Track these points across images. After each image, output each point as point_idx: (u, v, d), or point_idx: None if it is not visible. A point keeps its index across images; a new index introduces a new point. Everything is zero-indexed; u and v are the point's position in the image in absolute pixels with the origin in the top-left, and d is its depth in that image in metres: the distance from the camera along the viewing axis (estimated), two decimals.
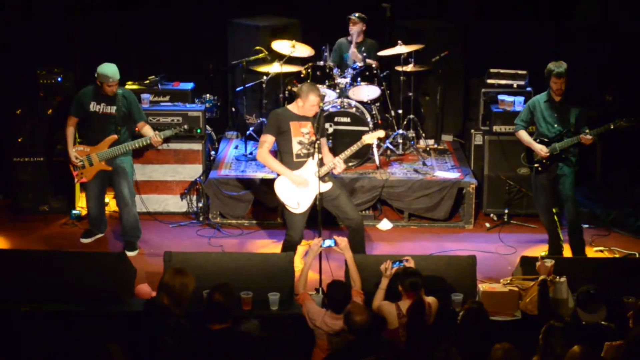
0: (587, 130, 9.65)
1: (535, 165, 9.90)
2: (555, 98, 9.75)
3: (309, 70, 11.71)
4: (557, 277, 8.24)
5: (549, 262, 8.20)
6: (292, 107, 9.44)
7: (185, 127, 10.52)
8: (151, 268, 9.56)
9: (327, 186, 9.37)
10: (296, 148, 9.36)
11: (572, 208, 9.91)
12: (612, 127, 9.61)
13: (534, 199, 10.31)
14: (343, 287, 7.71)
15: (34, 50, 11.56)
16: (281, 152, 9.43)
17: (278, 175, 9.43)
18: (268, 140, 9.36)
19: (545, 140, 9.82)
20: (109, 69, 9.91)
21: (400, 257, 8.23)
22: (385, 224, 11.14)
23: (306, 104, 9.27)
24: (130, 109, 10.12)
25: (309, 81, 10.48)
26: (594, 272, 8.70)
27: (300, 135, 9.35)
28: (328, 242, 8.26)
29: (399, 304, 7.75)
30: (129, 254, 9.70)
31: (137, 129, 10.28)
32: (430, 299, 7.81)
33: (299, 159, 9.38)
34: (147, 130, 10.21)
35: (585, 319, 7.47)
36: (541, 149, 9.78)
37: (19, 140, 11.34)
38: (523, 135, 10.01)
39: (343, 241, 8.27)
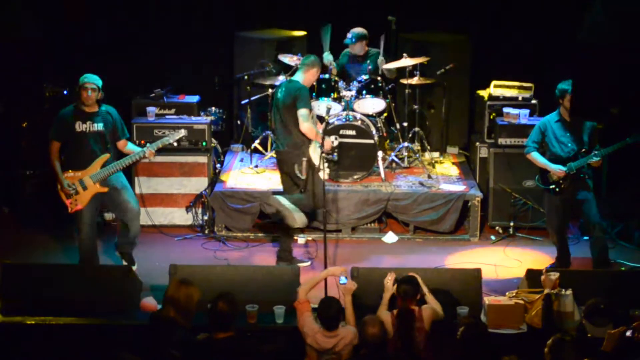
0: (595, 153, 9.63)
1: (552, 186, 9.84)
2: (567, 117, 9.72)
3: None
4: (563, 289, 8.24)
5: (554, 276, 8.19)
6: (301, 80, 10.05)
7: (179, 136, 10.02)
8: (157, 281, 9.54)
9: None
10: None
11: (599, 235, 9.87)
12: (628, 142, 9.57)
13: (547, 219, 10.27)
14: (335, 304, 7.67)
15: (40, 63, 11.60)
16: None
17: (306, 147, 9.98)
18: (310, 113, 9.96)
19: (560, 160, 9.78)
20: (89, 75, 9.48)
21: (406, 273, 8.23)
22: (390, 237, 11.14)
23: (316, 74, 10.16)
24: (115, 126, 9.64)
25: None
26: (599, 285, 8.70)
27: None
28: (343, 280, 8.20)
29: (394, 312, 7.79)
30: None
31: (119, 146, 9.74)
32: (426, 307, 7.81)
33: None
34: (131, 146, 9.77)
35: (592, 332, 7.46)
36: (559, 169, 9.71)
37: (25, 153, 11.36)
38: (536, 157, 9.91)
39: (352, 285, 8.19)
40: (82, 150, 9.51)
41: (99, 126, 9.49)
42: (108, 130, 9.53)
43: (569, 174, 9.69)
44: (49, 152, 9.55)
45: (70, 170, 9.50)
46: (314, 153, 10.06)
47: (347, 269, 8.67)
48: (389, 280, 8.13)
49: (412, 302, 7.80)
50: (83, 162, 9.50)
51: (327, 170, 10.26)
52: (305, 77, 10.12)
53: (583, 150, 9.69)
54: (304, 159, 10.05)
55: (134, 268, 9.59)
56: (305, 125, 9.92)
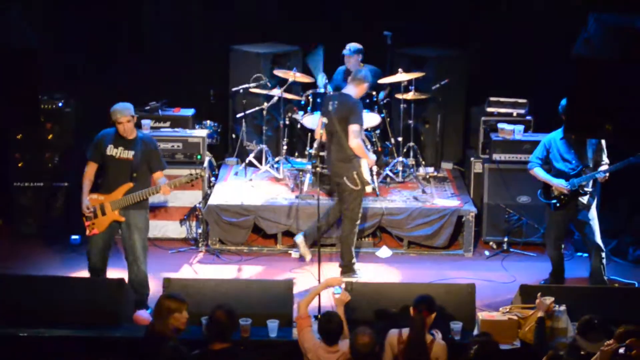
0: (600, 169, 9.66)
1: (553, 201, 9.86)
2: (572, 135, 9.73)
3: (310, 97, 11.73)
4: (557, 305, 8.23)
5: (549, 300, 8.17)
6: (353, 94, 10.24)
7: (197, 173, 9.53)
8: (150, 295, 9.52)
9: None
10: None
11: (597, 258, 9.90)
12: (632, 161, 9.57)
13: (545, 232, 10.31)
14: (335, 318, 7.61)
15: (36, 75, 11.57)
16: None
17: (357, 161, 10.11)
18: (360, 129, 10.10)
19: (564, 176, 9.80)
20: (119, 106, 9.27)
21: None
22: (384, 252, 11.14)
23: (366, 87, 10.34)
24: (150, 156, 9.41)
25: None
26: (593, 301, 8.69)
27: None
28: (337, 290, 8.18)
29: (402, 329, 7.69)
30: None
31: (154, 177, 9.50)
32: (439, 343, 7.74)
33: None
34: (161, 179, 9.47)
35: (586, 348, 7.44)
36: (561, 185, 9.71)
37: (20, 165, 11.37)
38: (539, 172, 9.91)
39: (345, 297, 8.16)
40: (108, 175, 9.38)
41: (129, 154, 9.29)
42: (138, 159, 9.30)
43: (571, 190, 9.70)
44: (84, 172, 9.44)
45: (96, 194, 9.36)
46: (364, 167, 10.18)
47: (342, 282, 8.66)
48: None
49: (428, 316, 7.70)
50: (108, 187, 9.35)
51: (375, 185, 10.48)
52: (357, 90, 10.25)
53: (588, 166, 9.71)
54: (355, 172, 10.13)
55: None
56: (355, 141, 10.03)
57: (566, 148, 9.79)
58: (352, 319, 8.34)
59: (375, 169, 11.42)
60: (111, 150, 9.30)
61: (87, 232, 9.37)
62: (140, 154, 9.31)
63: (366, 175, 10.20)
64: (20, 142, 11.35)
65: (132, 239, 9.34)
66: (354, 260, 10.40)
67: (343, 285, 8.30)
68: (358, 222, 10.39)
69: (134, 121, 9.35)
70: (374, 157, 10.54)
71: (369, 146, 10.40)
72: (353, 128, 10.02)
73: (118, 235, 9.52)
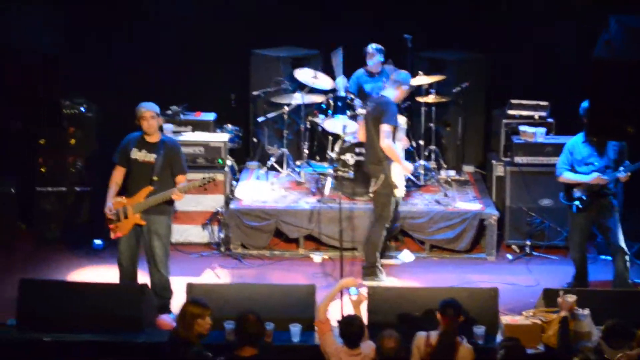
0: (622, 169, 9.62)
1: (576, 202, 9.82)
2: (594, 138, 9.70)
3: (331, 101, 11.74)
4: (580, 309, 8.20)
5: (571, 298, 8.14)
6: (391, 97, 10.19)
7: (209, 178, 9.48)
8: (173, 299, 9.55)
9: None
10: (397, 140, 10.23)
11: (622, 261, 9.84)
12: None
13: (569, 235, 10.28)
14: (357, 321, 7.59)
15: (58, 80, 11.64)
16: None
17: (390, 163, 10.06)
18: (392, 130, 10.02)
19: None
20: (143, 103, 9.28)
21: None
22: (407, 256, 11.11)
23: (406, 90, 10.31)
24: (173, 160, 9.36)
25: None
26: (616, 305, 8.65)
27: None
28: (354, 290, 8.16)
29: (430, 332, 7.65)
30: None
31: (176, 181, 9.38)
32: (466, 346, 7.72)
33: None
34: (180, 184, 9.36)
35: (610, 354, 7.40)
36: (596, 177, 9.62)
37: (42, 170, 11.42)
38: (569, 176, 9.80)
39: (362, 297, 8.13)
40: (132, 178, 9.35)
41: (151, 157, 9.26)
42: (160, 162, 9.26)
43: (593, 190, 9.65)
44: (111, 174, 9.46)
45: (121, 197, 9.34)
46: (395, 171, 10.13)
47: (364, 286, 8.66)
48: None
49: (456, 320, 7.68)
50: (131, 190, 9.34)
51: (404, 190, 10.35)
52: (396, 93, 10.24)
53: (609, 168, 9.68)
54: (383, 174, 10.12)
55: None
56: (385, 142, 10.02)
57: (588, 151, 9.75)
58: (375, 323, 8.36)
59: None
60: (135, 154, 9.30)
61: (112, 235, 9.38)
62: (163, 158, 9.29)
63: (395, 179, 10.16)
64: (43, 147, 11.40)
65: (152, 245, 9.33)
66: (378, 263, 10.39)
67: (359, 288, 8.26)
68: (387, 225, 10.37)
69: (159, 121, 9.36)
70: (409, 166, 10.39)
71: (405, 145, 10.35)
72: (383, 128, 10.01)
73: None
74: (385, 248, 10.75)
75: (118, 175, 9.40)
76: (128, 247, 9.36)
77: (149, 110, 9.24)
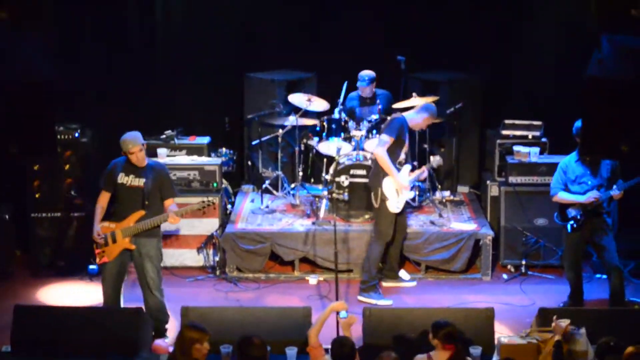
0: (615, 187, 9.64)
1: (570, 222, 9.83)
2: (587, 157, 9.71)
3: (325, 123, 11.76)
4: (576, 328, 8.19)
5: (564, 322, 8.12)
6: (409, 118, 10.39)
7: (207, 202, 9.61)
8: (168, 323, 9.52)
9: (410, 194, 10.61)
10: (402, 157, 10.36)
11: (617, 280, 9.85)
12: None
13: (563, 255, 10.32)
14: (348, 342, 7.55)
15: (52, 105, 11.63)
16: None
17: (383, 176, 10.19)
18: (389, 142, 10.12)
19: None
20: (129, 136, 9.28)
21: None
22: (404, 275, 11.09)
23: (425, 122, 10.46)
24: (162, 183, 9.41)
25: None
26: (612, 324, 8.64)
27: (407, 147, 10.44)
28: (343, 314, 8.13)
29: (430, 354, 7.64)
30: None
31: (165, 205, 9.43)
32: None
33: (399, 165, 10.35)
34: (171, 207, 9.41)
35: None
36: (590, 197, 9.67)
37: (37, 196, 11.40)
38: (563, 196, 9.85)
39: (351, 320, 8.08)
40: (120, 203, 9.37)
41: (140, 181, 9.29)
42: (149, 187, 9.29)
43: (587, 209, 9.66)
44: (97, 200, 9.48)
45: (107, 222, 9.36)
46: (389, 184, 10.22)
47: (359, 308, 8.64)
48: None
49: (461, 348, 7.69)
50: (119, 215, 9.33)
51: (400, 205, 10.39)
52: (416, 117, 10.43)
53: (602, 186, 9.69)
54: (379, 188, 10.21)
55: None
56: (378, 149, 10.19)
57: (581, 170, 9.77)
58: (371, 345, 8.36)
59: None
60: (122, 179, 9.31)
61: (97, 260, 9.40)
62: (152, 182, 9.32)
63: (387, 193, 10.22)
64: (37, 173, 11.38)
65: (144, 267, 9.34)
66: (376, 281, 10.43)
67: (348, 311, 8.23)
68: (386, 239, 10.44)
69: (145, 149, 9.37)
70: (401, 180, 10.30)
71: (402, 156, 10.42)
72: (381, 136, 10.19)
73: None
74: (391, 269, 10.79)
75: (104, 200, 9.43)
76: (114, 273, 9.36)
77: (136, 145, 9.26)
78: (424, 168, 10.79)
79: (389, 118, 10.58)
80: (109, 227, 9.32)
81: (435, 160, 10.94)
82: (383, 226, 10.35)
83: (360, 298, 10.31)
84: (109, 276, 9.38)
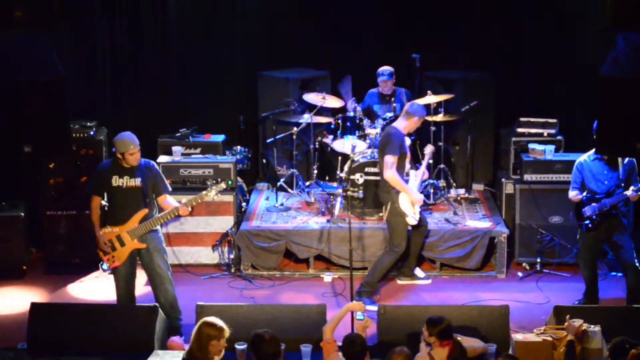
0: (632, 188, 9.61)
1: (586, 222, 9.81)
2: (604, 155, 9.68)
3: (339, 121, 11.76)
4: (591, 326, 8.18)
5: (577, 322, 8.11)
6: (400, 127, 10.28)
7: (210, 185, 9.56)
8: (184, 320, 9.54)
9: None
10: (407, 167, 10.42)
11: (634, 278, 9.82)
12: None
13: (578, 253, 10.29)
14: (359, 340, 7.57)
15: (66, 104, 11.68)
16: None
17: (398, 192, 10.19)
18: (395, 161, 10.13)
19: (595, 197, 9.76)
20: (127, 136, 9.24)
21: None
22: (419, 273, 11.09)
23: (418, 122, 10.31)
24: (155, 180, 9.39)
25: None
26: (628, 322, 8.63)
27: (409, 155, 10.53)
28: (360, 316, 8.14)
29: (431, 353, 7.65)
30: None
31: (159, 201, 9.45)
32: (472, 342, 7.75)
33: (407, 177, 10.42)
34: (169, 201, 9.41)
35: None
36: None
37: (52, 193, 11.44)
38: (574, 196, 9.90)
39: (367, 323, 8.06)
40: (120, 206, 9.31)
41: (136, 181, 9.25)
42: (146, 185, 9.29)
43: (603, 210, 9.65)
44: (90, 207, 9.44)
45: (108, 226, 9.31)
46: (404, 200, 10.24)
47: (375, 305, 8.65)
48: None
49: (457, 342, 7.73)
50: (120, 217, 9.28)
51: (417, 216, 10.41)
52: (406, 124, 10.32)
53: (620, 187, 9.66)
54: (390, 202, 10.23)
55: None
56: (388, 173, 10.15)
57: (599, 168, 9.74)
58: (385, 342, 8.36)
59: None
60: (117, 181, 9.26)
61: (109, 266, 9.37)
62: (147, 180, 9.33)
63: (404, 207, 10.22)
64: (52, 171, 11.42)
65: (154, 262, 9.35)
66: (376, 288, 10.48)
67: (366, 311, 8.24)
68: (400, 252, 10.41)
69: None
70: (417, 196, 10.37)
71: (416, 177, 10.47)
72: (386, 159, 10.14)
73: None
74: (409, 267, 10.86)
75: (97, 205, 9.40)
76: (125, 274, 9.38)
77: (136, 146, 9.24)
78: (424, 166, 10.74)
79: (383, 133, 10.53)
80: (112, 231, 9.29)
81: (428, 151, 10.91)
82: (397, 239, 10.35)
83: (355, 299, 10.23)
84: (122, 279, 9.41)
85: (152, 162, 9.64)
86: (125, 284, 9.42)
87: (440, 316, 7.77)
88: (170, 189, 9.63)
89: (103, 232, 9.31)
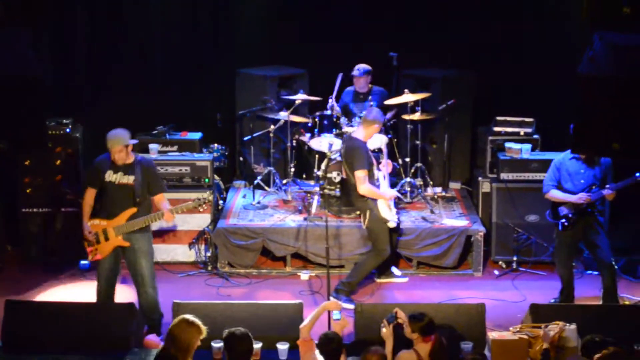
0: (608, 187, 9.64)
1: (562, 221, 9.84)
2: (582, 154, 9.71)
3: (317, 120, 11.75)
4: (567, 324, 8.21)
5: (553, 331, 8.16)
6: (361, 136, 10.28)
7: (203, 200, 9.51)
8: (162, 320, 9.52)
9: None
10: (377, 173, 10.41)
11: (610, 277, 9.85)
12: (638, 177, 9.60)
13: (555, 252, 10.34)
14: (336, 337, 7.60)
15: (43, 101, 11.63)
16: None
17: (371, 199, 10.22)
18: (366, 175, 10.15)
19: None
20: (114, 134, 9.17)
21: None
22: (396, 271, 11.09)
23: (378, 128, 10.32)
24: (149, 179, 9.29)
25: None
26: (603, 320, 8.67)
27: (376, 163, 10.47)
28: (336, 315, 8.14)
29: (415, 349, 7.74)
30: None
31: (154, 201, 9.40)
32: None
33: (377, 181, 10.40)
34: (164, 203, 9.37)
35: None
36: (580, 197, 9.67)
37: (28, 191, 11.39)
38: (556, 194, 9.83)
39: (345, 322, 8.05)
40: (110, 201, 9.25)
41: (129, 179, 9.19)
42: (139, 183, 9.20)
43: (580, 208, 9.68)
44: (83, 197, 9.39)
45: (97, 219, 9.26)
46: (382, 206, 10.25)
47: (351, 303, 8.65)
48: (387, 328, 8.05)
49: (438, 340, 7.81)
50: (110, 212, 9.23)
51: (395, 217, 10.46)
52: (365, 132, 10.32)
53: (596, 185, 9.69)
54: (368, 210, 10.24)
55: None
56: (362, 188, 10.16)
57: (575, 168, 9.77)
58: (362, 340, 8.36)
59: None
60: (110, 176, 9.22)
61: (90, 258, 9.33)
62: (140, 178, 9.24)
63: (384, 214, 10.24)
64: (28, 168, 11.36)
65: (138, 263, 9.28)
66: (355, 289, 10.47)
67: (343, 310, 8.24)
68: (385, 256, 10.42)
69: (127, 150, 9.19)
70: (390, 193, 10.49)
71: (384, 177, 10.46)
72: (357, 175, 10.15)
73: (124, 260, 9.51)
74: (385, 265, 10.85)
75: (90, 196, 9.33)
76: (107, 270, 9.32)
77: (115, 145, 9.12)
78: (385, 160, 10.76)
79: (345, 147, 10.47)
80: (99, 224, 9.25)
81: (383, 146, 10.94)
82: (381, 244, 10.34)
83: (332, 296, 10.21)
84: (102, 273, 9.34)
85: (151, 160, 9.56)
86: (105, 281, 9.34)
87: (422, 312, 7.85)
88: (166, 189, 9.54)
89: (91, 223, 9.25)
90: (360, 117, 11.62)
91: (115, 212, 9.23)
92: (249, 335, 7.23)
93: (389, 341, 8.01)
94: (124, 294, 9.88)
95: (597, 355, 7.05)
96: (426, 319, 7.76)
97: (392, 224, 10.34)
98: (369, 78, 11.98)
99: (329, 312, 8.52)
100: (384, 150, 10.90)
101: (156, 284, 9.44)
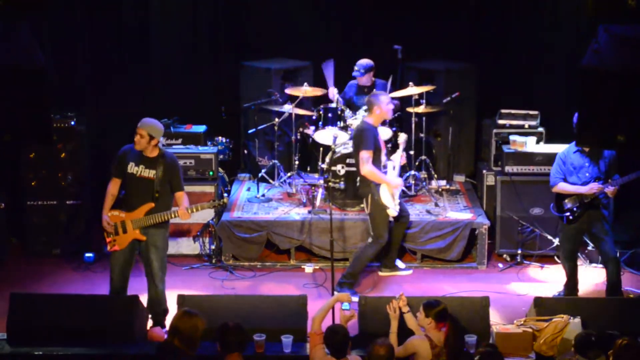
0: (610, 182, 9.62)
1: (566, 214, 9.83)
2: (586, 147, 9.69)
3: (321, 112, 11.75)
4: (571, 317, 8.21)
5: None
6: (371, 121, 10.27)
7: (219, 202, 9.57)
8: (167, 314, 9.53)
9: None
10: (384, 160, 10.32)
11: (614, 270, 9.81)
12: None
13: (560, 245, 10.32)
14: (342, 329, 7.62)
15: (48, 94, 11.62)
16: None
17: (377, 185, 10.17)
18: (371, 156, 10.11)
19: None
20: (154, 123, 9.19)
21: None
22: (400, 264, 11.09)
23: (384, 107, 10.18)
24: (171, 176, 9.24)
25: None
26: (608, 313, 8.67)
27: (384, 148, 10.47)
28: (346, 306, 8.15)
29: (428, 335, 7.82)
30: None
31: (175, 197, 9.33)
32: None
33: (384, 169, 10.36)
34: (182, 201, 9.29)
35: None
36: (592, 188, 9.64)
37: (32, 183, 11.39)
38: (564, 186, 9.77)
39: (350, 314, 8.10)
40: (131, 193, 9.23)
41: (150, 173, 9.13)
42: (160, 178, 9.14)
43: (584, 202, 9.66)
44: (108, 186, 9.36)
45: (117, 210, 9.23)
46: (384, 192, 10.20)
47: (356, 296, 8.67)
48: (395, 309, 8.13)
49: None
50: (130, 204, 9.21)
51: (397, 207, 10.37)
52: (374, 118, 10.31)
53: (600, 179, 9.67)
54: (370, 195, 10.20)
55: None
56: (365, 168, 10.11)
57: (580, 161, 9.75)
58: (367, 332, 8.37)
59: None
60: (132, 168, 9.18)
61: (109, 248, 9.29)
62: (162, 174, 9.18)
63: (385, 200, 10.20)
64: (33, 161, 11.37)
65: (149, 257, 9.27)
66: (357, 279, 10.49)
67: (352, 302, 8.26)
68: (383, 243, 10.40)
69: (152, 143, 9.13)
70: (395, 181, 10.42)
71: (394, 167, 10.45)
72: (361, 155, 10.13)
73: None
74: (390, 258, 10.86)
75: (114, 187, 9.31)
76: (122, 261, 9.29)
77: (142, 127, 9.11)
78: (399, 152, 10.71)
79: (355, 130, 10.52)
80: (119, 215, 9.22)
81: (402, 140, 10.92)
82: (380, 231, 10.32)
83: (336, 290, 10.20)
84: (117, 264, 9.30)
85: (176, 158, 9.45)
86: (119, 272, 9.30)
87: (437, 299, 7.92)
88: (183, 188, 9.41)
89: (110, 214, 9.22)
90: (365, 110, 11.62)
91: (135, 204, 9.20)
92: (241, 327, 7.24)
93: (395, 321, 8.06)
94: (138, 285, 9.83)
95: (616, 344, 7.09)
96: (441, 305, 7.89)
97: (392, 212, 10.30)
98: (371, 73, 11.96)
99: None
100: (402, 144, 10.86)
101: (165, 280, 9.41)
